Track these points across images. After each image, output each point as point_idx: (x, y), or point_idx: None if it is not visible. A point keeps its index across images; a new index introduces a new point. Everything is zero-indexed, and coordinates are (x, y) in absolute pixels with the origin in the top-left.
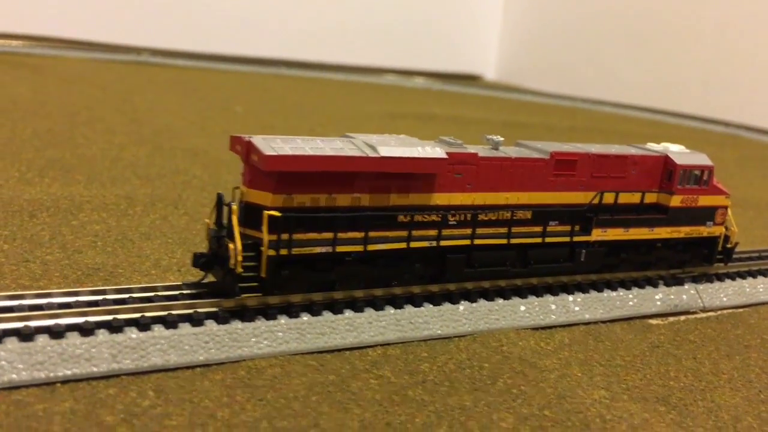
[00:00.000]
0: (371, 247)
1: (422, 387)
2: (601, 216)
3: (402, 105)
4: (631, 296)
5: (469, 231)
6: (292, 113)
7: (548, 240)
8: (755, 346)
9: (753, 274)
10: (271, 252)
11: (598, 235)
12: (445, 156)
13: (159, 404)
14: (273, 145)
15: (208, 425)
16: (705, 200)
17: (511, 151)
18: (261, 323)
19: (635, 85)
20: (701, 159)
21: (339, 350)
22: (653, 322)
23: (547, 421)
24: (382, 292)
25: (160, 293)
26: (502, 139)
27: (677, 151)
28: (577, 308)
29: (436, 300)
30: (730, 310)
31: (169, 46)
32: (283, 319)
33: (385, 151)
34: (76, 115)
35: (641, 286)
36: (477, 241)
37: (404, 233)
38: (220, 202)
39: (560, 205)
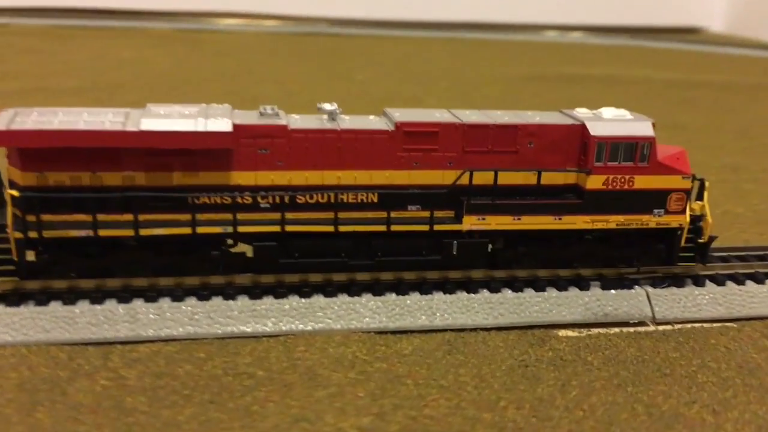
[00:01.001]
0: (144, 232)
1: (151, 394)
2: (476, 200)
3: (555, 65)
4: (538, 299)
5: (282, 216)
6: (417, 80)
7: (396, 228)
8: (679, 375)
9: (758, 278)
10: (18, 234)
11: (472, 223)
12: (227, 129)
13: None
14: (17, 118)
15: None
16: (646, 182)
17: (349, 123)
18: (25, 309)
19: None
20: (636, 128)
21: (110, 343)
22: (562, 333)
23: None
24: (199, 281)
25: None
26: (334, 107)
27: (608, 118)
28: (449, 310)
29: (255, 293)
30: (697, 325)
31: (346, 15)
32: (54, 306)
33: (146, 125)
34: (180, 87)
35: (562, 288)
36: (291, 228)
37: (189, 217)
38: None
39: (418, 187)
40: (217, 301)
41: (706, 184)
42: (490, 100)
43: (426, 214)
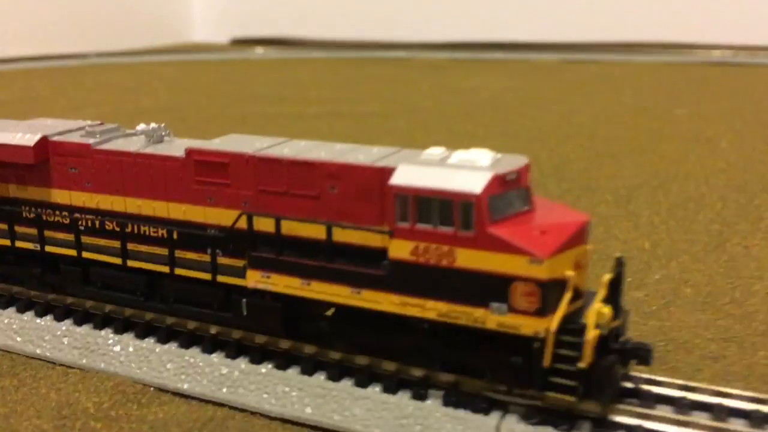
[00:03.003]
0: None
1: None
2: (259, 252)
3: None
4: (338, 395)
5: (85, 239)
6: (742, 118)
7: (179, 272)
8: None
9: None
10: None
11: (256, 280)
12: (28, 144)
13: None
14: None
15: None
16: (471, 258)
17: (160, 147)
18: None
19: None
20: (455, 180)
21: None
22: None
23: None
24: (50, 297)
25: None
26: (150, 127)
27: (449, 163)
28: (242, 382)
29: (77, 318)
30: None
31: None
32: None
33: None
34: (445, 118)
35: (389, 389)
36: (87, 255)
37: (6, 228)
38: None
39: (217, 227)
40: (47, 320)
41: (607, 277)
42: None
43: (208, 258)
